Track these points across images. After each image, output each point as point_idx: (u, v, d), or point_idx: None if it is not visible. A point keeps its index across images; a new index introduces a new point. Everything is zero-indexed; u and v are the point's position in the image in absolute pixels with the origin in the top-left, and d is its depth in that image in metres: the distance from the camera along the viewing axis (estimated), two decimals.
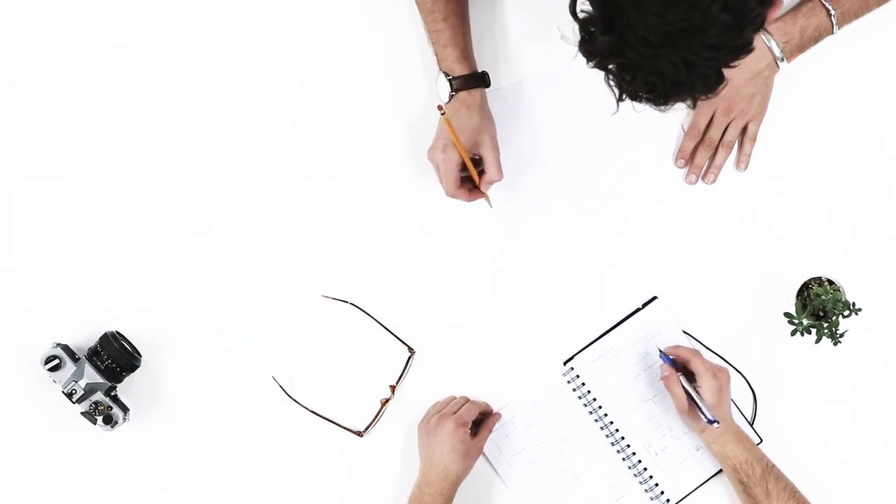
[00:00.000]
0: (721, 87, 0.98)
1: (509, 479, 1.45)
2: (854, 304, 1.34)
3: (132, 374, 1.44)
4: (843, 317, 1.34)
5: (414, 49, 1.46)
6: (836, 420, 1.44)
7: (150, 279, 1.47)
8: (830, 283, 1.41)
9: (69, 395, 1.39)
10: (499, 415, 1.45)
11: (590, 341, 1.46)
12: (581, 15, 0.97)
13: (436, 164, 1.36)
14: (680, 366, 1.38)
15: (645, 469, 1.44)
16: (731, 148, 1.43)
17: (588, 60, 0.98)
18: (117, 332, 1.43)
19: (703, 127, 1.41)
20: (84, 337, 1.44)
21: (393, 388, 1.46)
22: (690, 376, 1.36)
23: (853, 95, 1.45)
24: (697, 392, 1.34)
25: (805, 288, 1.41)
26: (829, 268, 1.43)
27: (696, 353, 1.37)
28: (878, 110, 1.45)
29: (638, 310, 1.46)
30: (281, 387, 1.45)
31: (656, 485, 1.44)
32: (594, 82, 1.45)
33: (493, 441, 1.44)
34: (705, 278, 1.45)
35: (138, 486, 1.46)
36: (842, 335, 1.34)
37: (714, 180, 1.44)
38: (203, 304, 1.47)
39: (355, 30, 1.47)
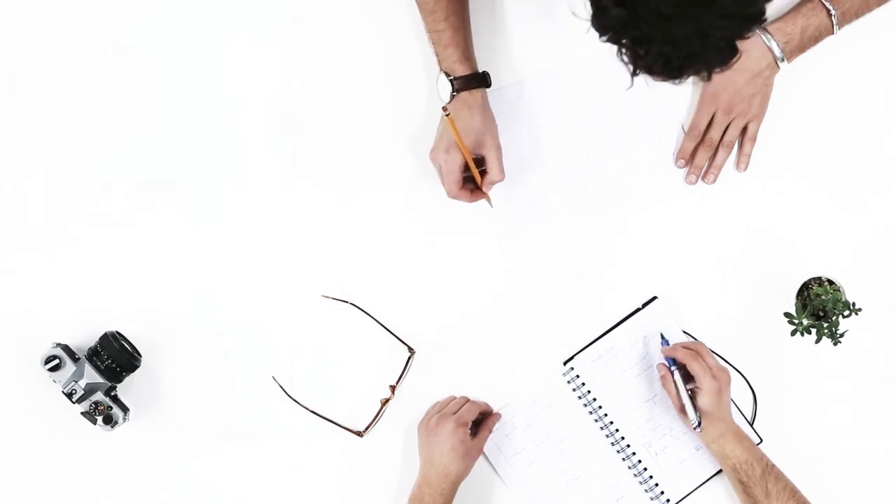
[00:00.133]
0: (735, 59, 0.97)
1: (509, 479, 1.45)
2: (854, 304, 1.34)
3: (132, 374, 1.44)
4: (843, 317, 1.34)
5: (414, 49, 1.46)
6: (836, 420, 1.44)
7: (150, 279, 1.47)
8: (830, 283, 1.41)
9: (69, 395, 1.39)
10: (499, 415, 1.45)
11: (590, 341, 1.46)
12: None
13: (438, 165, 1.36)
14: (681, 364, 1.38)
15: (645, 469, 1.44)
16: (732, 148, 1.43)
17: (601, 35, 0.97)
18: (117, 332, 1.44)
19: (703, 127, 1.41)
20: (84, 337, 1.44)
21: (393, 388, 1.46)
22: (692, 376, 1.36)
23: (853, 95, 1.45)
24: (691, 394, 1.35)
25: (805, 288, 1.41)
26: (829, 268, 1.43)
27: (695, 354, 1.37)
28: (878, 110, 1.45)
29: (638, 310, 1.46)
30: (281, 387, 1.45)
31: (656, 485, 1.44)
32: (594, 82, 1.47)
33: (493, 441, 1.44)
34: (705, 278, 1.46)
35: (138, 486, 1.46)
36: (842, 335, 1.34)
37: (714, 180, 1.44)
38: (203, 304, 1.47)
39: (355, 30, 1.47)
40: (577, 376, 1.45)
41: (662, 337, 1.42)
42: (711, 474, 1.44)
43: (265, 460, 1.46)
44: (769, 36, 1.34)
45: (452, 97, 1.34)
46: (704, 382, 1.34)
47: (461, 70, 1.34)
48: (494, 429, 1.44)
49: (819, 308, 1.36)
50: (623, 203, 1.46)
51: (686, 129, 1.44)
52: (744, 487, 1.36)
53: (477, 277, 1.46)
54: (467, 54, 1.35)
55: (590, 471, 1.45)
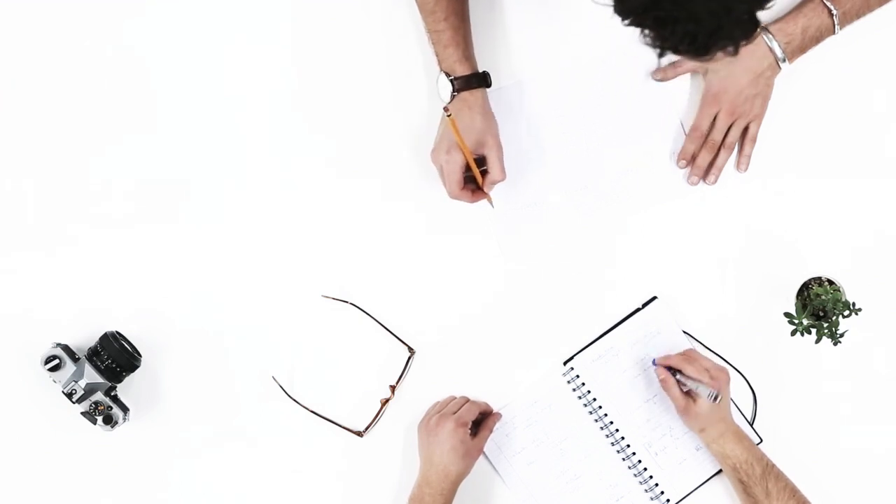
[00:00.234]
0: (757, 33, 0.97)
1: (509, 479, 1.45)
2: (854, 304, 1.34)
3: (132, 374, 1.44)
4: (843, 317, 1.34)
5: (414, 49, 1.46)
6: (836, 420, 1.44)
7: (150, 279, 1.47)
8: (830, 283, 1.41)
9: (69, 395, 1.39)
10: (499, 415, 1.45)
11: (590, 341, 1.46)
12: None
13: (439, 165, 1.36)
14: (677, 370, 1.37)
15: (645, 469, 1.44)
16: (733, 149, 1.43)
17: (623, 19, 0.97)
18: (117, 332, 1.44)
19: (705, 129, 1.41)
20: (84, 337, 1.44)
21: (393, 388, 1.46)
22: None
23: (853, 95, 1.45)
24: (692, 378, 1.34)
25: (805, 288, 1.42)
26: (829, 268, 1.43)
27: (688, 358, 1.37)
28: (878, 110, 1.45)
29: (638, 310, 1.46)
30: (281, 387, 1.45)
31: (656, 485, 1.44)
32: (594, 82, 1.47)
33: (493, 441, 1.44)
34: (705, 278, 1.46)
35: (138, 486, 1.46)
36: (842, 335, 1.34)
37: (715, 181, 1.44)
38: (203, 304, 1.47)
39: (355, 30, 1.47)
40: (577, 376, 1.45)
41: (654, 362, 1.41)
42: (711, 474, 1.44)
43: (265, 460, 1.46)
44: (771, 36, 1.34)
45: (453, 97, 1.34)
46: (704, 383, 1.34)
47: (461, 70, 1.34)
48: (494, 429, 1.44)
49: (819, 308, 1.36)
50: (623, 203, 1.46)
51: (687, 129, 1.44)
52: (744, 487, 1.36)
53: (477, 277, 1.46)
54: (467, 54, 1.35)
55: (590, 471, 1.45)
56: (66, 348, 1.41)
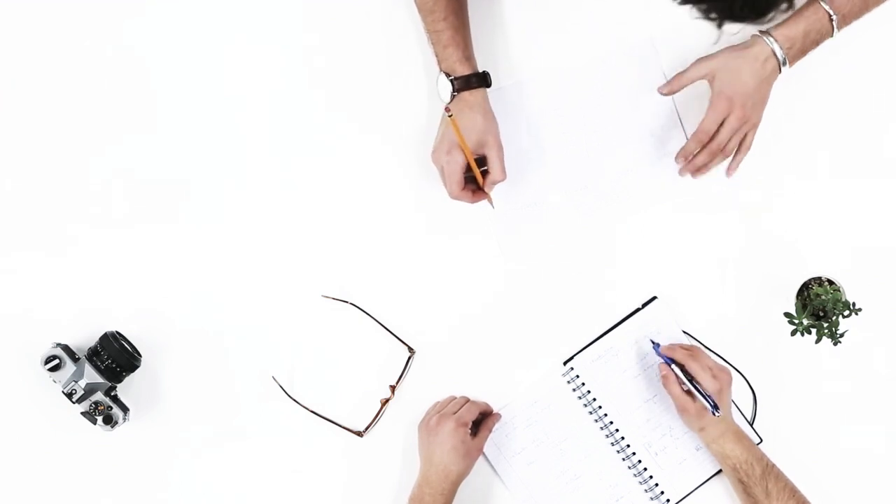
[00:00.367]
0: None
1: (509, 479, 1.45)
2: (854, 304, 1.34)
3: (132, 374, 1.44)
4: (843, 317, 1.34)
5: (414, 49, 1.46)
6: (836, 420, 1.44)
7: (150, 279, 1.47)
8: (830, 283, 1.41)
9: (69, 395, 1.39)
10: (499, 415, 1.45)
11: (590, 341, 1.46)
12: None
13: (440, 165, 1.36)
14: (680, 364, 1.37)
15: (645, 469, 1.44)
16: (730, 155, 1.41)
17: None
18: (117, 332, 1.44)
19: (713, 131, 1.38)
20: (84, 337, 1.44)
21: (393, 388, 1.46)
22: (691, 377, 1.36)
23: (853, 95, 1.45)
24: (696, 383, 1.34)
25: (805, 288, 1.42)
26: (829, 268, 1.43)
27: (693, 354, 1.37)
28: (878, 110, 1.45)
29: (638, 310, 1.46)
30: (281, 387, 1.45)
31: (656, 485, 1.44)
32: (594, 82, 1.47)
33: (493, 441, 1.44)
34: (705, 278, 1.46)
35: (138, 486, 1.46)
36: (842, 335, 1.34)
37: (698, 177, 1.42)
38: (203, 304, 1.47)
39: (355, 30, 1.47)
40: (577, 376, 1.45)
41: (653, 342, 1.42)
42: (711, 474, 1.44)
43: (265, 460, 1.46)
44: (773, 40, 1.33)
45: (453, 97, 1.34)
46: (705, 383, 1.34)
47: (461, 70, 1.34)
48: (494, 429, 1.44)
49: (819, 308, 1.36)
50: (623, 203, 1.47)
51: (694, 131, 1.40)
52: (744, 487, 1.36)
53: (477, 277, 1.46)
54: (467, 54, 1.35)
55: (590, 471, 1.45)
56: (66, 348, 1.41)
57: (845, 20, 1.35)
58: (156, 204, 1.47)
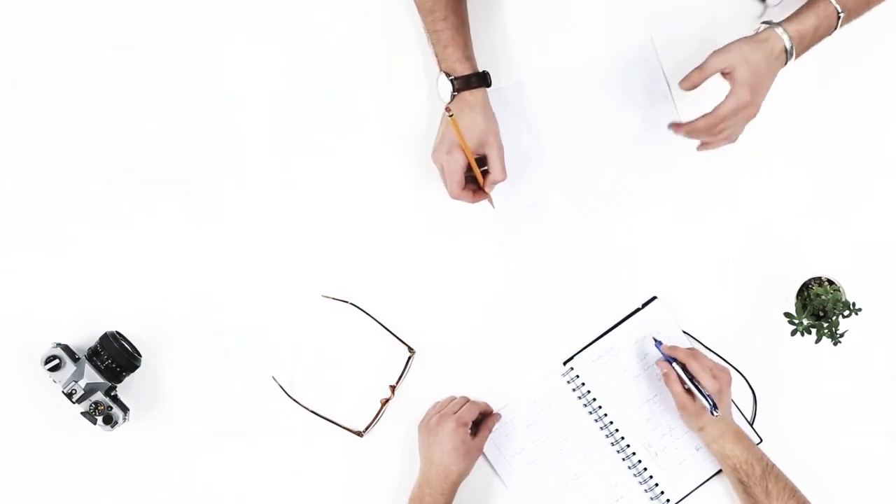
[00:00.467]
0: None
1: (509, 479, 1.45)
2: (854, 304, 1.34)
3: (132, 374, 1.44)
4: (843, 317, 1.34)
5: (414, 49, 1.46)
6: (836, 420, 1.44)
7: (150, 279, 1.47)
8: (830, 283, 1.41)
9: (69, 395, 1.39)
10: (499, 415, 1.45)
11: (590, 341, 1.46)
12: None
13: (440, 165, 1.36)
14: (681, 364, 1.38)
15: (645, 469, 1.44)
16: (730, 142, 1.36)
17: None
18: (117, 332, 1.44)
19: (727, 117, 1.30)
20: (84, 337, 1.44)
21: (393, 388, 1.46)
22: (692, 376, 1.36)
23: (853, 95, 1.45)
24: (696, 382, 1.34)
25: (805, 288, 1.42)
26: (829, 268, 1.43)
27: (693, 354, 1.37)
28: (878, 110, 1.45)
29: (638, 310, 1.46)
30: (281, 387, 1.45)
31: (656, 485, 1.44)
32: (594, 82, 1.47)
33: (493, 441, 1.44)
34: (705, 278, 1.46)
35: (138, 486, 1.46)
36: (842, 335, 1.34)
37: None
38: (203, 304, 1.47)
39: (355, 30, 1.47)
40: (577, 376, 1.45)
41: (655, 340, 1.42)
42: (711, 474, 1.44)
43: (265, 460, 1.46)
44: (787, 35, 1.31)
45: (453, 97, 1.34)
46: (705, 382, 1.34)
47: (461, 70, 1.34)
48: (494, 429, 1.44)
49: (819, 308, 1.36)
50: (623, 203, 1.47)
51: (709, 112, 1.35)
52: (744, 487, 1.36)
53: (477, 277, 1.46)
54: (467, 54, 1.35)
55: (590, 471, 1.45)
56: (66, 348, 1.41)
57: (848, 17, 1.34)
58: (156, 204, 1.47)
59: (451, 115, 1.27)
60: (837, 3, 1.32)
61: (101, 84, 1.47)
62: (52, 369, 1.39)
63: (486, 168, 1.36)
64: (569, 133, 1.47)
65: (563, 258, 1.46)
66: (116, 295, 1.47)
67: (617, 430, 1.45)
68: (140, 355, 1.45)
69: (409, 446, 1.45)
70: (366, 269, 1.47)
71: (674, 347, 1.40)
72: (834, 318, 1.34)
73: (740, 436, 1.37)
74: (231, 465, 1.46)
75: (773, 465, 1.36)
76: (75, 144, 1.47)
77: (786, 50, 1.31)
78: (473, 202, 1.38)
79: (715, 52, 1.32)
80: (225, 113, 1.47)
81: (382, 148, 1.47)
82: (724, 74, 1.33)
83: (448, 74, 1.34)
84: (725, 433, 1.37)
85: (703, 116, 1.31)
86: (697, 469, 1.44)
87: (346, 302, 1.46)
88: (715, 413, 1.33)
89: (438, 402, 1.45)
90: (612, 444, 1.45)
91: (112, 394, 1.41)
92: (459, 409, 1.41)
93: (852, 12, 1.33)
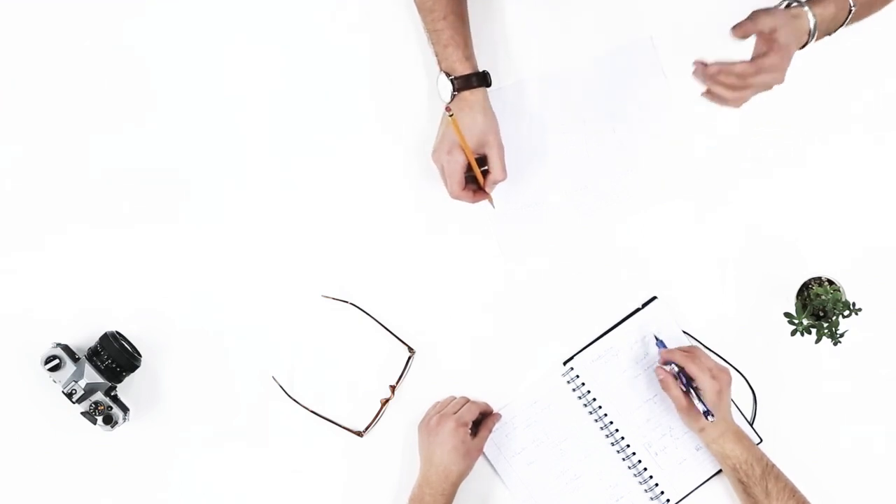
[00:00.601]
0: None
1: (509, 479, 1.45)
2: (854, 304, 1.34)
3: (132, 374, 1.44)
4: (843, 317, 1.34)
5: (414, 49, 1.46)
6: (836, 420, 1.44)
7: (150, 279, 1.47)
8: (830, 283, 1.41)
9: (69, 395, 1.39)
10: (499, 415, 1.45)
11: (590, 341, 1.46)
12: None
13: (441, 165, 1.36)
14: (680, 367, 1.37)
15: (645, 469, 1.44)
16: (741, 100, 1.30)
17: None
18: (117, 332, 1.44)
19: (766, 71, 1.22)
20: (84, 337, 1.44)
21: (393, 388, 1.46)
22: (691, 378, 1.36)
23: (853, 95, 1.45)
24: (694, 387, 1.35)
25: (805, 288, 1.42)
26: (829, 268, 1.43)
27: (691, 356, 1.37)
28: (878, 110, 1.45)
29: (638, 310, 1.46)
30: (281, 387, 1.45)
31: (656, 485, 1.44)
32: (594, 82, 1.47)
33: (493, 441, 1.44)
34: (705, 278, 1.46)
35: (138, 486, 1.46)
36: (842, 335, 1.34)
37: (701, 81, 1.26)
38: (203, 304, 1.47)
39: (355, 30, 1.47)
40: (577, 376, 1.45)
41: (657, 339, 1.42)
42: (711, 474, 1.44)
43: (265, 460, 1.46)
44: (814, 19, 1.27)
45: (453, 97, 1.34)
46: (704, 383, 1.34)
47: (461, 69, 1.34)
48: (494, 429, 1.44)
49: (819, 308, 1.36)
50: (623, 203, 1.47)
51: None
52: (744, 487, 1.36)
53: (477, 277, 1.46)
54: (467, 53, 1.35)
55: (590, 471, 1.45)
56: (66, 348, 1.41)
57: (857, 14, 1.33)
58: (156, 204, 1.47)
59: (451, 115, 1.27)
60: None
61: (101, 84, 1.48)
62: (52, 369, 1.39)
63: (486, 168, 1.37)
64: (569, 133, 1.47)
65: (563, 258, 1.46)
66: (116, 295, 1.47)
67: (617, 430, 1.45)
68: (140, 355, 1.45)
69: (409, 446, 1.45)
70: (366, 269, 1.47)
71: (671, 351, 1.39)
72: (834, 318, 1.34)
73: (740, 436, 1.37)
74: (231, 465, 1.46)
75: (773, 466, 1.36)
76: (75, 144, 1.48)
77: (809, 31, 1.28)
78: (473, 202, 1.38)
79: (760, 11, 1.25)
80: (225, 113, 1.47)
81: (382, 148, 1.47)
82: (761, 36, 1.27)
83: (448, 74, 1.34)
84: (725, 433, 1.37)
85: (742, 61, 1.25)
86: (697, 469, 1.44)
87: (346, 302, 1.46)
88: (710, 419, 1.33)
89: (438, 402, 1.45)
90: (612, 444, 1.45)
91: (112, 394, 1.41)
92: (459, 409, 1.41)
93: (862, 8, 1.31)
